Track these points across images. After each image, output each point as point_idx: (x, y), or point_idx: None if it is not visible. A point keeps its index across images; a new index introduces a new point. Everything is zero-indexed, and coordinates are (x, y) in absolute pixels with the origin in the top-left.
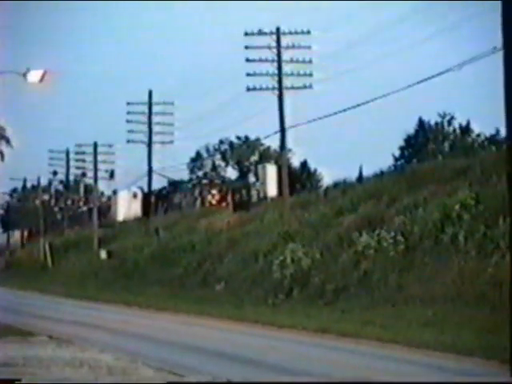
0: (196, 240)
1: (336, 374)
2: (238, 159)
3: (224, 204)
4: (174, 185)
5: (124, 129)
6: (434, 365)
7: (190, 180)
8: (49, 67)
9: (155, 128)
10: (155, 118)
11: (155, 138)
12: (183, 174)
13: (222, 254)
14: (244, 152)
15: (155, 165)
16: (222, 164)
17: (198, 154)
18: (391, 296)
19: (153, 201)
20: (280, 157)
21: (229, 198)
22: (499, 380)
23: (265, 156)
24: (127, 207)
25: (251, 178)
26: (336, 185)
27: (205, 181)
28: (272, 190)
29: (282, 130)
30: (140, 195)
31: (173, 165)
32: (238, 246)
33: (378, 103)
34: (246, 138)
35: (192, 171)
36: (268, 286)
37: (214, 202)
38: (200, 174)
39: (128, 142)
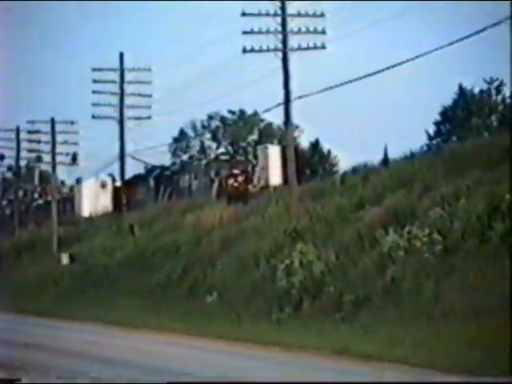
0: (181, 240)
1: None
2: (233, 139)
3: (251, 187)
4: (152, 171)
5: (89, 102)
6: None
7: (173, 164)
8: None
9: (128, 100)
10: (128, 88)
11: (128, 113)
12: (164, 158)
13: (213, 257)
14: (240, 130)
15: (129, 146)
16: (213, 145)
17: (183, 133)
18: (426, 308)
19: (126, 191)
20: (285, 135)
21: (255, 179)
22: (499, 380)
23: (266, 135)
24: (94, 200)
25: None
26: (355, 170)
27: (224, 157)
28: (275, 176)
29: (287, 102)
30: (110, 185)
31: (151, 146)
32: (234, 246)
33: (407, 67)
34: (242, 112)
35: (174, 154)
36: (271, 297)
37: (236, 184)
38: (184, 157)
39: (94, 117)
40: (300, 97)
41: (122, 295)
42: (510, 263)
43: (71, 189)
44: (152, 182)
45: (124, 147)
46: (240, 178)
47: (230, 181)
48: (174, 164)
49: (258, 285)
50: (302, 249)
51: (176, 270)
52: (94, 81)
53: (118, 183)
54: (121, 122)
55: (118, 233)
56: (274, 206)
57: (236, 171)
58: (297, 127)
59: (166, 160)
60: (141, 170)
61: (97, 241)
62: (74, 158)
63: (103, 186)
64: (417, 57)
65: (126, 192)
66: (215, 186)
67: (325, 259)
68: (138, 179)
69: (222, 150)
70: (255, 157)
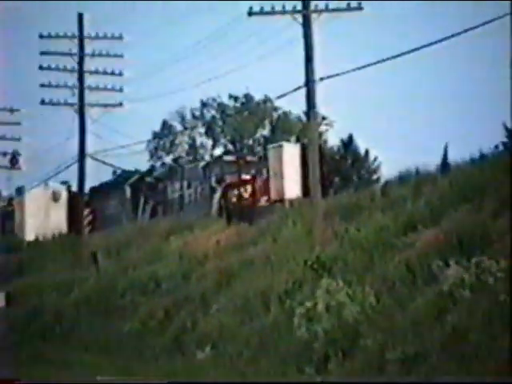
0: (163, 273)
1: None
2: (235, 134)
3: (265, 200)
4: (128, 177)
5: (36, 82)
6: None
7: (151, 170)
8: None
9: (90, 80)
10: (90, 63)
11: (91, 98)
12: (139, 160)
13: (207, 296)
14: (244, 122)
15: (91, 144)
16: (208, 143)
17: (166, 126)
18: (500, 369)
19: (90, 204)
20: (306, 130)
21: (272, 185)
22: (499, 380)
23: (280, 129)
24: (43, 217)
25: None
26: (402, 178)
27: (228, 158)
28: (292, 185)
29: (310, 83)
30: (65, 196)
31: (122, 144)
32: (235, 283)
33: (471, 35)
34: (248, 97)
35: (155, 154)
36: (286, 353)
37: (246, 195)
38: (168, 159)
39: (43, 103)
40: (329, 77)
41: (79, 350)
42: None
43: (9, 202)
44: (128, 192)
45: (85, 145)
46: (251, 188)
47: (238, 190)
48: (152, 168)
49: (268, 336)
50: (329, 286)
51: (155, 315)
52: (43, 53)
53: (77, 194)
54: (80, 111)
55: (76, 263)
56: (291, 226)
57: (246, 177)
58: (323, 119)
59: (142, 162)
60: (108, 175)
61: (45, 274)
62: (14, 160)
63: (55, 197)
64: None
65: (88, 206)
66: (217, 196)
67: (360, 301)
68: (107, 188)
69: (219, 149)
70: (265, 159)
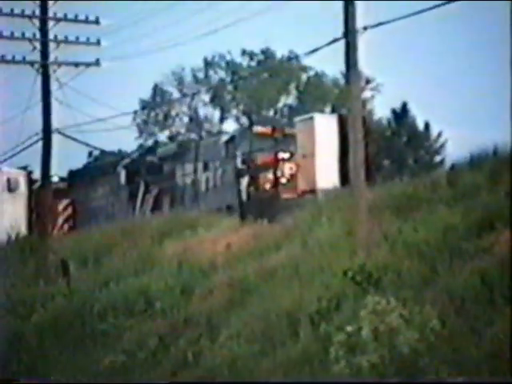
0: (156, 288)
1: None
2: (250, 103)
3: (299, 191)
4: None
5: None
6: None
7: (140, 148)
8: None
9: (56, 30)
10: (57, 7)
11: (58, 54)
12: (125, 137)
13: (214, 319)
14: (264, 86)
15: (59, 117)
16: (215, 114)
17: (158, 92)
18: None
19: (66, 195)
20: (344, 96)
21: (300, 171)
22: (499, 380)
23: (311, 95)
24: None
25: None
26: (475, 160)
27: (260, 129)
28: (327, 171)
29: (349, 34)
30: (24, 185)
31: (101, 116)
32: (252, 300)
33: None
34: (267, 53)
35: (143, 130)
36: None
37: (284, 180)
38: (163, 136)
39: None
40: (376, 25)
41: None
42: None
43: None
44: (123, 176)
45: (50, 117)
46: (290, 169)
47: (274, 174)
48: (156, 144)
49: (297, 371)
50: (377, 305)
51: (145, 344)
52: None
53: (42, 181)
54: (44, 71)
55: (39, 275)
56: (326, 225)
57: (284, 154)
58: (368, 82)
59: (128, 141)
60: (81, 158)
61: None
62: None
63: (11, 187)
64: None
65: (66, 196)
66: (244, 183)
67: (419, 324)
68: (93, 172)
69: (230, 122)
70: (291, 136)
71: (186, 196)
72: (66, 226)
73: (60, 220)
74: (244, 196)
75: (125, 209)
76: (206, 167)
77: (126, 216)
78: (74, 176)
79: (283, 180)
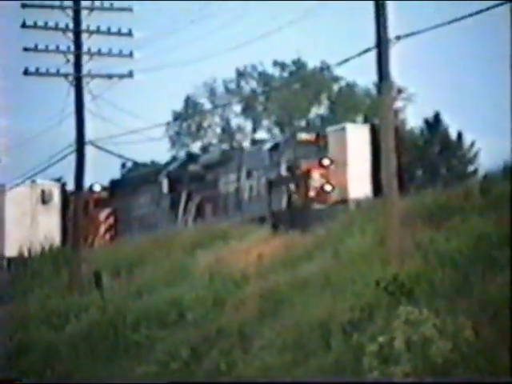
0: (188, 299)
1: None
2: (282, 113)
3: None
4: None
5: (18, 46)
6: None
7: (172, 161)
8: None
9: (89, 42)
10: (90, 20)
11: (91, 67)
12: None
13: (246, 330)
14: (295, 97)
15: (92, 128)
16: (247, 125)
17: (190, 103)
18: None
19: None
20: (376, 106)
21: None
22: (499, 380)
23: (342, 105)
24: (28, 223)
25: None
26: (507, 169)
27: (304, 136)
28: (359, 181)
29: (381, 44)
30: (57, 196)
31: (133, 128)
32: (284, 311)
33: None
34: (298, 64)
35: (176, 142)
36: None
37: (328, 188)
38: (195, 147)
39: (26, 74)
40: (409, 34)
41: None
42: None
43: None
44: (165, 185)
45: (84, 129)
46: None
47: (319, 181)
48: (204, 150)
49: (329, 379)
50: (410, 315)
51: (178, 354)
52: (25, 5)
53: (75, 193)
54: (77, 83)
55: (73, 286)
56: (358, 235)
57: (326, 161)
58: (400, 91)
59: (161, 152)
60: (114, 170)
61: (32, 301)
62: None
63: (45, 199)
64: None
65: (108, 205)
66: (288, 190)
67: (452, 334)
68: (134, 181)
69: (262, 133)
70: (323, 147)
71: (229, 204)
72: (107, 235)
73: (102, 229)
74: (285, 204)
75: (167, 217)
76: (249, 175)
77: (168, 225)
78: (115, 185)
79: (328, 187)
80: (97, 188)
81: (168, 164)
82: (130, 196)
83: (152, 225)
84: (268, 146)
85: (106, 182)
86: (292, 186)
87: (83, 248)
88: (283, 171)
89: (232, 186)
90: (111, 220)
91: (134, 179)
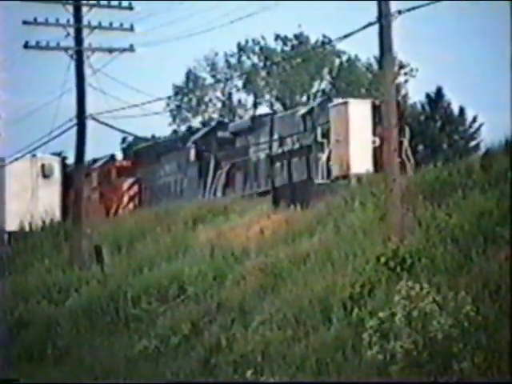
0: (188, 274)
1: None
2: (284, 88)
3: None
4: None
5: (17, 19)
6: None
7: (174, 135)
8: None
9: (89, 16)
10: None
11: (92, 40)
12: (158, 123)
13: (247, 305)
14: (296, 72)
15: (92, 102)
16: (248, 99)
17: (191, 78)
18: None
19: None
20: (378, 80)
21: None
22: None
23: (344, 80)
24: (29, 198)
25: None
26: (509, 145)
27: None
28: (360, 156)
29: (383, 18)
30: (58, 170)
31: (133, 103)
32: (285, 286)
33: None
34: (300, 38)
35: (176, 116)
36: (354, 378)
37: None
38: (195, 122)
39: (27, 46)
40: (410, 9)
41: (77, 375)
42: None
43: None
44: (193, 153)
45: (85, 103)
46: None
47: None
48: (223, 122)
49: (329, 356)
50: (411, 290)
51: (179, 330)
52: None
53: (76, 167)
54: (78, 57)
55: (74, 260)
56: (359, 211)
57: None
58: (401, 67)
59: (160, 126)
60: (114, 144)
61: (33, 275)
62: None
63: (46, 173)
64: None
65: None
66: (324, 157)
67: (453, 310)
68: (160, 149)
69: (263, 107)
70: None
71: (260, 172)
72: (131, 205)
73: (125, 199)
74: (325, 171)
75: (194, 186)
76: (281, 142)
77: (196, 193)
78: (139, 154)
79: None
80: (118, 157)
81: (195, 131)
82: (155, 164)
83: (178, 194)
84: (302, 111)
85: (106, 156)
86: (323, 155)
87: (85, 222)
88: (319, 137)
89: (263, 153)
90: (135, 189)
91: (159, 147)
